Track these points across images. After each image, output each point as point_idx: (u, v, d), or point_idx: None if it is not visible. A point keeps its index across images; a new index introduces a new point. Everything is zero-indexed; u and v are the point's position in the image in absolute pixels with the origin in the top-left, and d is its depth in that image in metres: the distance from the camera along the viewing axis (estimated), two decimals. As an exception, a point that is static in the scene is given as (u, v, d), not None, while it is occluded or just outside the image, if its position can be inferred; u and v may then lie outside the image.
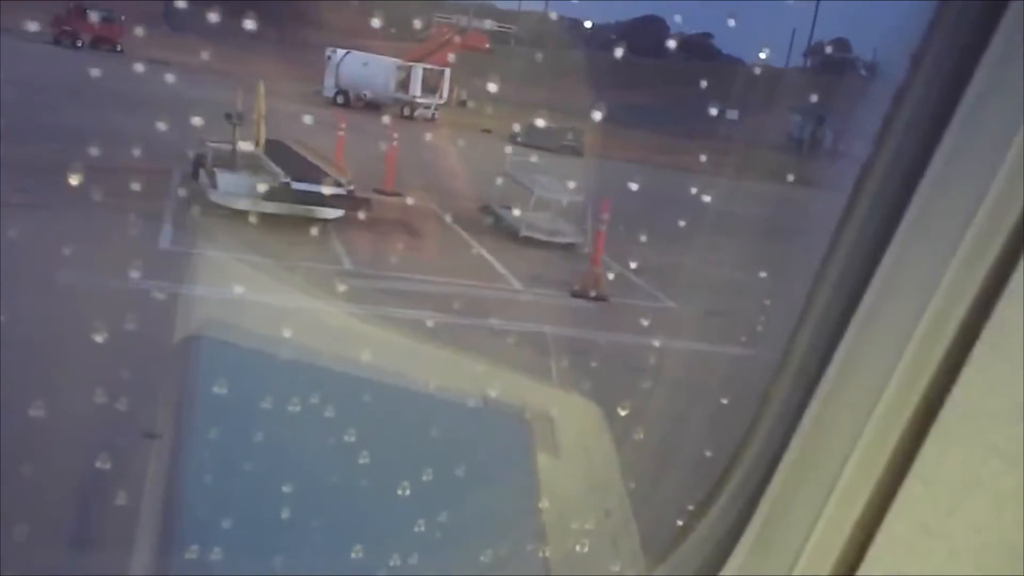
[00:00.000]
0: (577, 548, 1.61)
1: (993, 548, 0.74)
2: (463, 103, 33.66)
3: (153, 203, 12.71)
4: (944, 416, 0.76)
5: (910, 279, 0.80)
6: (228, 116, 12.79)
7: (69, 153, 12.60)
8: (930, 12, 0.84)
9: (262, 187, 11.91)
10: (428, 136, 25.09)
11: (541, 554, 1.57)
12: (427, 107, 28.88)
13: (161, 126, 13.29)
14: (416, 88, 29.23)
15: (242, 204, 11.70)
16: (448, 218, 14.36)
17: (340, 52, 29.30)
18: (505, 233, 13.56)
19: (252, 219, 11.79)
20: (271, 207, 11.77)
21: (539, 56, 40.44)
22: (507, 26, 54.13)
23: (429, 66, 29.62)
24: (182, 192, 13.29)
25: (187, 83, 27.62)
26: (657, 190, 17.37)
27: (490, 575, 1.52)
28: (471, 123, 28.61)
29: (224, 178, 12.05)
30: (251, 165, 12.64)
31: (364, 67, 28.27)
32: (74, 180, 12.06)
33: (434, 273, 11.15)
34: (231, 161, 12.58)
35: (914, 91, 0.84)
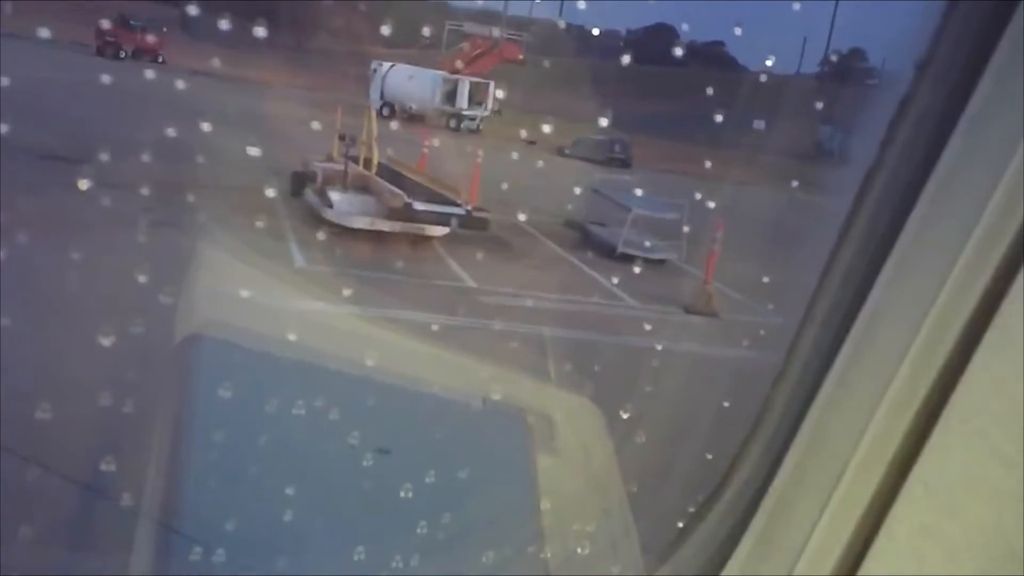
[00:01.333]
0: (577, 549, 1.62)
1: (994, 550, 0.74)
2: (497, 112, 34.22)
3: (268, 221, 13.21)
4: (946, 418, 0.77)
5: (914, 282, 0.81)
6: (342, 137, 13.32)
7: (171, 170, 13.09)
8: (936, 15, 0.85)
9: (381, 207, 12.43)
10: (482, 149, 25.68)
11: (540, 555, 1.57)
12: (472, 119, 29.48)
13: (238, 142, 13.83)
14: (463, 100, 29.81)
15: (359, 223, 12.22)
16: (537, 233, 14.89)
17: (385, 65, 29.84)
18: (599, 249, 14.09)
19: (351, 236, 12.36)
20: (386, 226, 12.30)
21: (559, 65, 40.98)
22: (518, 34, 54.57)
23: (475, 79, 30.23)
24: (291, 210, 13.81)
25: (241, 95, 28.10)
26: (718, 204, 17.87)
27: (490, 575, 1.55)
28: (513, 134, 29.17)
29: (339, 198, 12.57)
30: (363, 186, 13.16)
31: (410, 80, 28.82)
32: (191, 198, 12.59)
33: (549, 290, 11.67)
34: (342, 181, 13.11)
35: (919, 95, 0.85)
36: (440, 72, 30.50)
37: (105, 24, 32.05)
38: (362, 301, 9.55)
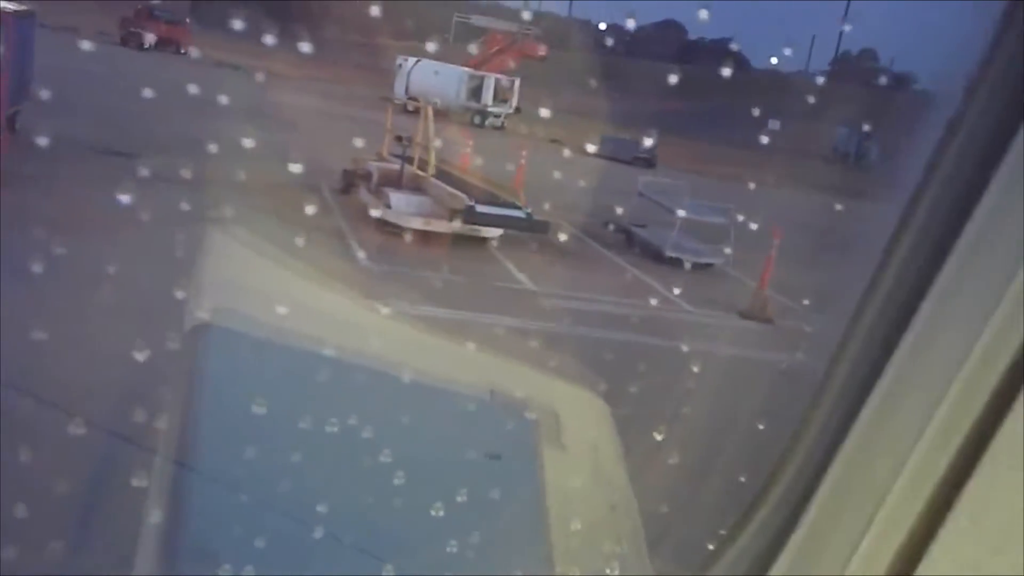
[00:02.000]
0: (581, 543, 1.63)
1: None
2: (517, 109, 34.42)
3: (324, 220, 13.45)
4: (994, 449, 0.74)
5: (967, 299, 0.78)
6: (399, 138, 13.56)
7: (216, 165, 13.26)
8: (985, 17, 0.80)
9: (438, 208, 12.68)
10: (508, 147, 25.87)
11: (546, 550, 1.57)
12: (497, 116, 29.71)
13: (275, 137, 14.02)
14: (488, 97, 30.04)
15: (415, 224, 12.47)
16: (581, 234, 15.14)
17: (411, 60, 30.02)
18: (645, 251, 14.35)
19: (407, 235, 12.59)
20: (443, 226, 12.55)
21: (573, 61, 41.09)
22: (527, 29, 54.61)
23: (500, 76, 30.44)
24: (344, 208, 14.04)
25: (268, 88, 28.20)
26: (747, 207, 18.12)
27: (495, 575, 1.55)
28: (535, 131, 29.33)
29: (397, 197, 12.81)
30: (417, 186, 13.40)
31: (435, 75, 28.99)
32: (245, 195, 12.81)
33: (605, 292, 11.94)
34: (397, 181, 13.35)
35: (970, 111, 0.81)
36: (466, 68, 30.69)
37: (130, 14, 32.19)
38: (430, 301, 9.84)
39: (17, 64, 12.50)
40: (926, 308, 0.80)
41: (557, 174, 21.98)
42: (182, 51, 31.98)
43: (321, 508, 1.47)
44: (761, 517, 0.98)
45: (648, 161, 26.04)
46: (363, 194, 13.67)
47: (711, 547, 1.09)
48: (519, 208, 12.59)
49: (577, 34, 50.76)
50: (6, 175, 11.02)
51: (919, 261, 0.83)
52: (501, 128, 29.55)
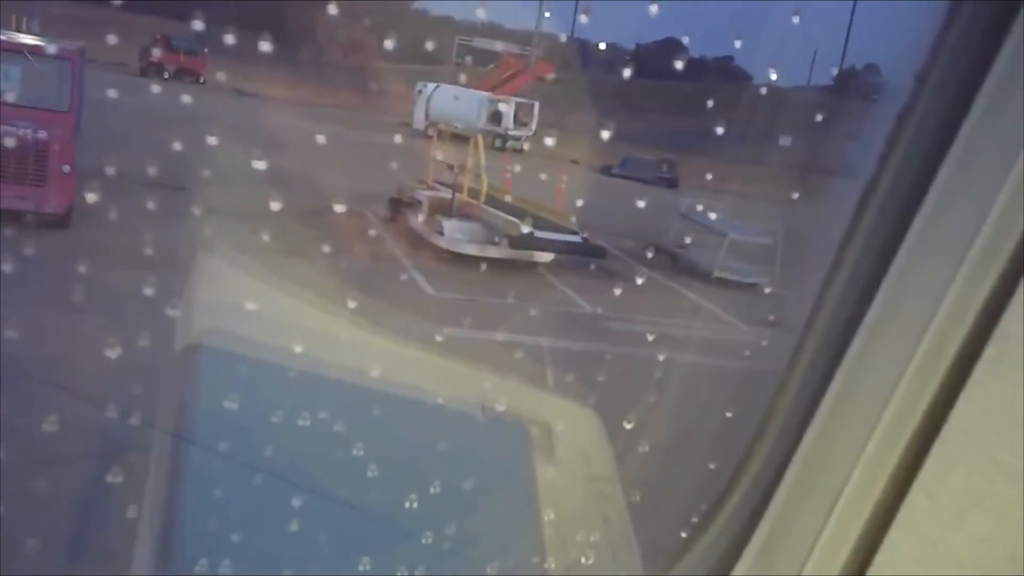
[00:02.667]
0: (578, 556, 1.63)
1: (998, 561, 0.75)
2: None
3: (378, 248, 13.62)
4: (948, 429, 0.77)
5: (915, 293, 0.81)
6: (450, 167, 13.78)
7: (259, 194, 13.37)
8: (935, 19, 0.84)
9: (489, 233, 12.85)
10: (529, 169, 26.10)
11: (540, 562, 1.58)
12: (517, 139, 30.00)
13: (307, 166, 14.17)
14: (509, 121, 30.35)
15: (470, 249, 12.64)
16: (624, 256, 15.31)
17: (431, 86, 30.35)
18: (691, 272, 14.53)
19: (461, 262, 12.75)
20: (496, 252, 12.72)
21: (579, 81, 41.45)
22: (527, 49, 54.99)
23: (521, 100, 30.79)
24: (395, 236, 14.22)
25: (290, 116, 28.45)
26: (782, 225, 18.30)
27: None
28: (553, 153, 29.53)
29: (449, 225, 12.99)
30: (468, 213, 13.59)
31: (455, 100, 29.30)
32: (296, 224, 12.97)
33: (663, 314, 12.08)
34: (449, 208, 13.54)
35: (919, 104, 0.85)
36: (485, 93, 31.04)
37: (149, 45, 32.52)
38: (506, 328, 9.97)
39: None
40: (875, 306, 0.83)
41: (583, 195, 22.19)
42: (201, 80, 32.27)
43: (316, 528, 1.48)
44: (724, 517, 1.01)
45: (670, 181, 26.28)
46: (413, 222, 13.85)
47: (675, 548, 1.11)
48: (575, 233, 12.77)
49: (578, 54, 51.12)
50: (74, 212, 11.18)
51: (867, 264, 0.86)
52: (521, 151, 29.85)
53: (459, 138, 29.67)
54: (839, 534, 0.84)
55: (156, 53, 32.49)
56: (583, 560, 1.61)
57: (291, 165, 13.72)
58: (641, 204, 19.72)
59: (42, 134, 10.67)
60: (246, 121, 23.85)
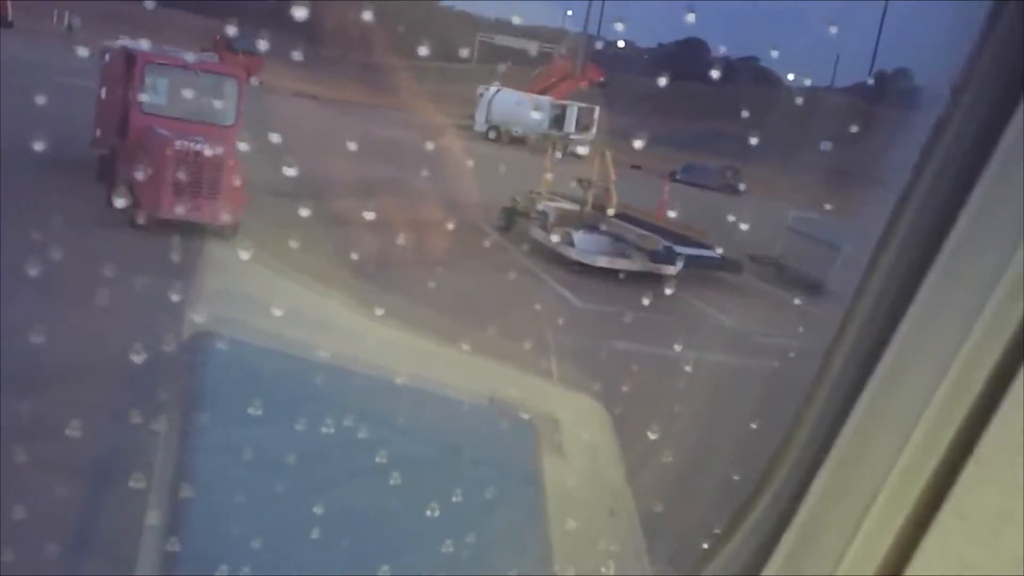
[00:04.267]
0: (583, 550, 1.62)
1: None
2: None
3: (505, 258, 14.01)
4: (981, 448, 0.76)
5: (951, 304, 0.79)
6: (580, 181, 14.22)
7: (368, 204, 13.74)
8: (978, 19, 0.82)
9: (618, 246, 13.27)
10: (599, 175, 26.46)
11: (545, 555, 1.58)
12: (578, 143, 30.40)
13: (398, 173, 14.51)
14: (571, 125, 30.81)
15: (601, 262, 13.07)
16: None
17: (492, 89, 30.79)
18: (802, 285, 14.90)
19: (593, 274, 13.15)
20: (624, 264, 13.15)
21: (619, 84, 41.62)
22: (549, 45, 55.06)
23: (582, 104, 31.22)
24: (518, 247, 14.60)
25: (356, 119, 28.73)
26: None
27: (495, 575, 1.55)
28: (615, 158, 29.80)
29: (581, 237, 13.42)
30: (594, 224, 14.02)
31: (516, 105, 29.72)
32: (415, 234, 13.36)
33: (803, 327, 12.45)
34: (577, 220, 13.98)
35: (956, 115, 0.83)
36: (546, 97, 31.48)
37: (211, 47, 32.76)
38: (670, 341, 10.36)
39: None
40: (913, 312, 0.82)
41: (656, 203, 22.43)
42: (259, 83, 32.47)
43: (319, 511, 1.47)
44: (754, 517, 1.00)
45: (734, 188, 26.65)
46: (536, 232, 14.27)
47: (705, 547, 1.11)
48: (710, 248, 13.19)
49: (599, 55, 51.17)
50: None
51: (904, 267, 0.84)
52: (581, 155, 30.25)
53: (518, 141, 30.20)
54: (869, 544, 0.83)
55: (217, 55, 32.67)
56: (595, 563, 1.61)
57: (380, 172, 14.08)
58: (731, 217, 20.05)
59: (218, 149, 11.10)
60: (318, 125, 24.15)
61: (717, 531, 1.09)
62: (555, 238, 13.74)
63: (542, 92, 33.75)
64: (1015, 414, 0.75)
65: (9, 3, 36.37)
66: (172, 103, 11.65)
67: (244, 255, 1.96)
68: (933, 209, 0.83)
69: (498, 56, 49.75)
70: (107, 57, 13.14)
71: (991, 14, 0.81)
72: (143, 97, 11.44)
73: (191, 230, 11.25)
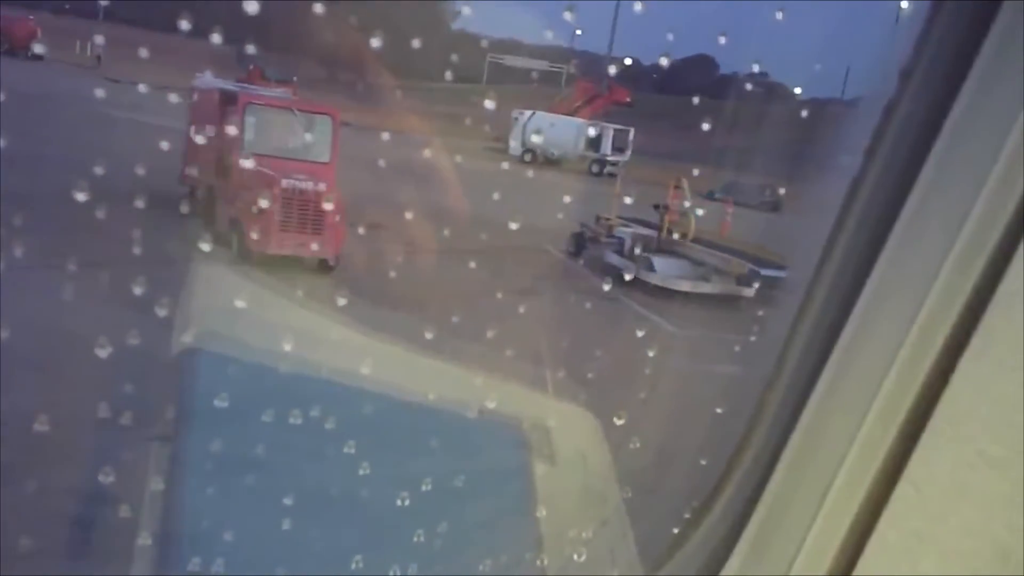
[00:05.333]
0: (574, 557, 1.63)
1: (985, 553, 0.75)
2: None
3: (585, 283, 14.22)
4: (935, 422, 0.78)
5: (900, 288, 0.82)
6: (656, 207, 14.50)
7: (438, 232, 13.93)
8: (919, 17, 0.86)
9: (698, 270, 13.51)
10: (643, 196, 26.64)
11: (538, 563, 1.58)
12: (614, 164, 30.77)
13: (450, 199, 14.65)
14: (607, 147, 31.23)
15: (683, 286, 13.30)
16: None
17: (527, 113, 31.17)
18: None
19: (673, 298, 13.36)
20: (708, 288, 13.39)
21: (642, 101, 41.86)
22: (558, 65, 55.35)
23: (617, 126, 31.62)
24: (596, 272, 14.81)
25: (392, 144, 28.95)
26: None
27: None
28: (645, 176, 29.99)
29: (661, 262, 13.67)
30: (670, 249, 14.28)
31: (552, 127, 30.10)
32: (503, 262, 13.58)
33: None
34: (653, 245, 14.24)
35: (903, 100, 0.86)
36: (581, 120, 31.91)
37: (244, 75, 33.23)
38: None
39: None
40: (862, 303, 0.84)
41: (703, 223, 22.59)
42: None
43: (314, 530, 1.48)
44: (713, 516, 1.01)
45: (773, 205, 26.87)
46: (612, 258, 14.51)
47: (665, 547, 1.11)
48: (783, 268, 13.40)
49: (607, 69, 51.21)
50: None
51: (853, 260, 0.87)
52: (616, 176, 30.62)
53: (553, 163, 30.52)
54: (828, 530, 0.85)
55: (250, 83, 33.17)
56: (576, 558, 1.62)
57: (437, 198, 14.27)
58: (764, 230, 20.29)
59: (321, 186, 11.36)
60: (364, 152, 24.32)
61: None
62: (629, 262, 13.97)
63: (569, 114, 34.13)
64: (966, 388, 0.77)
65: (40, 35, 36.81)
66: (272, 141, 11.92)
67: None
68: (884, 192, 0.85)
69: (507, 76, 49.99)
70: (195, 96, 13.42)
71: (933, 8, 0.85)
72: (246, 136, 11.72)
73: (295, 264, 11.51)
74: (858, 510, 0.83)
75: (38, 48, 36.34)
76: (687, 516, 1.10)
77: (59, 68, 34.39)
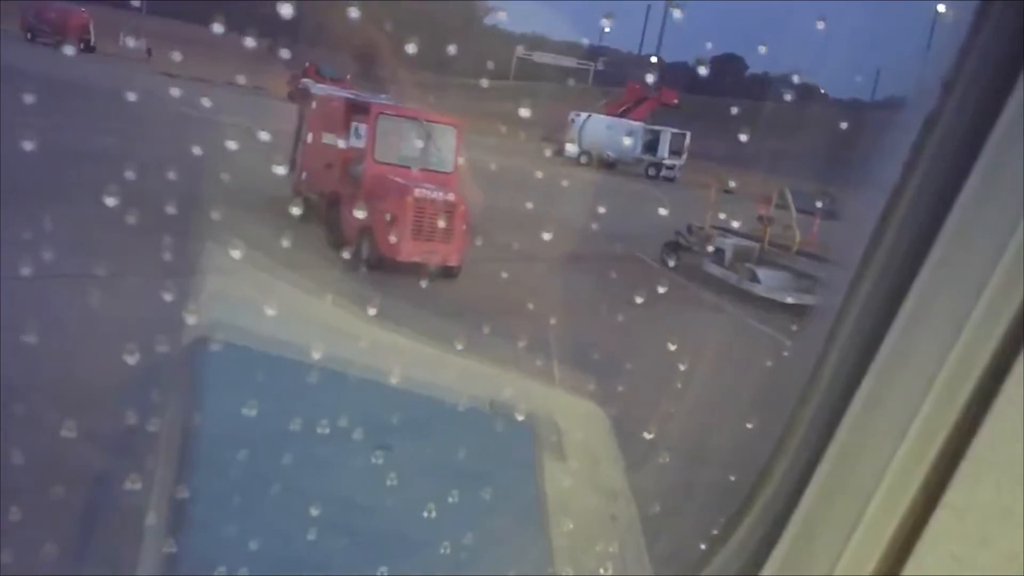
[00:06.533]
0: (583, 555, 1.62)
1: None
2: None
3: (690, 294, 14.32)
4: (976, 444, 0.76)
5: (944, 302, 0.79)
6: (760, 218, 14.63)
7: (533, 239, 14.02)
8: (967, 18, 0.82)
9: (803, 282, 13.65)
10: (696, 201, 26.66)
11: (548, 560, 1.57)
12: (671, 167, 30.95)
13: (535, 204, 14.73)
14: (664, 150, 31.41)
15: (789, 298, 13.44)
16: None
17: (583, 115, 31.37)
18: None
19: (777, 311, 13.48)
20: (810, 299, 13.52)
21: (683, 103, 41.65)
22: (585, 63, 55.30)
23: (675, 130, 31.78)
24: (695, 281, 14.89)
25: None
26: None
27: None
28: (701, 181, 29.96)
29: (766, 274, 13.81)
30: (776, 261, 14.43)
31: (608, 129, 30.25)
32: (607, 270, 13.70)
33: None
34: (755, 257, 14.39)
35: (946, 112, 0.83)
36: (638, 123, 32.07)
37: (300, 73, 33.55)
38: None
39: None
40: (906, 310, 0.82)
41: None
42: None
43: (317, 513, 1.48)
44: (752, 517, 1.00)
45: (832, 213, 26.85)
46: (712, 268, 14.67)
47: (703, 547, 1.11)
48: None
49: (635, 67, 51.19)
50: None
51: (897, 264, 0.84)
52: (673, 180, 30.77)
53: (608, 166, 30.67)
54: (866, 543, 0.83)
55: (307, 81, 33.52)
56: (595, 565, 1.60)
57: (509, 202, 14.36)
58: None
59: (451, 196, 11.58)
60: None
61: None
62: (735, 274, 14.12)
63: (620, 116, 34.28)
64: (1010, 411, 0.75)
65: (92, 28, 37.03)
66: (399, 151, 12.15)
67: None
68: (924, 206, 0.83)
69: (535, 73, 49.90)
70: (314, 103, 13.63)
71: (979, 12, 0.82)
72: (377, 145, 11.93)
73: (418, 271, 11.70)
74: (896, 528, 0.82)
75: (89, 40, 36.54)
76: (723, 521, 1.10)
77: (113, 62, 34.56)
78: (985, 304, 0.76)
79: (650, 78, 39.16)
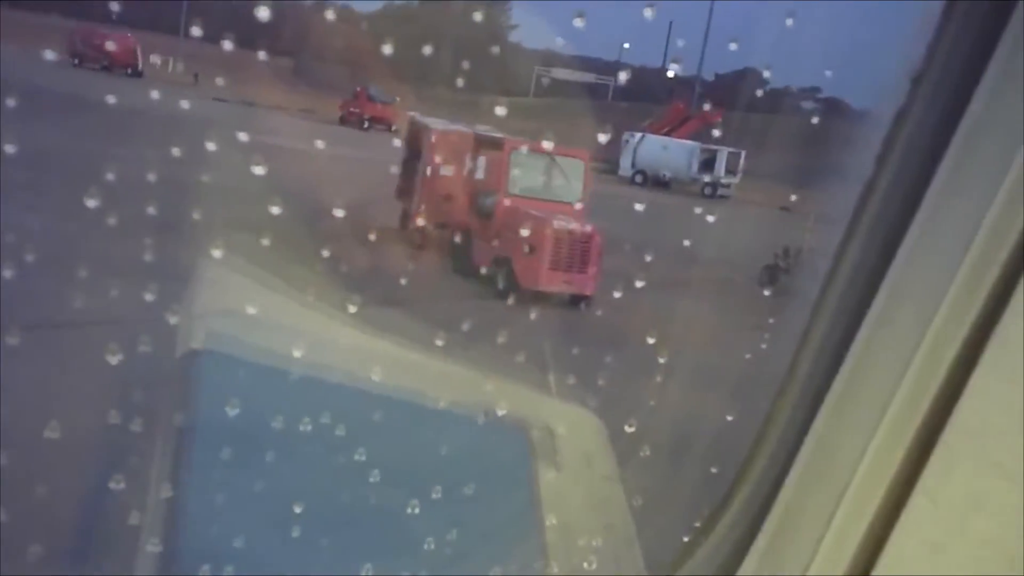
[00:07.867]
0: (581, 563, 1.62)
1: (999, 564, 0.75)
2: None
3: (787, 315, 14.38)
4: (948, 433, 0.77)
5: (913, 296, 0.81)
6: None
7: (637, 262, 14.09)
8: (930, 19, 0.84)
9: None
10: (759, 219, 26.64)
11: (543, 568, 1.57)
12: (727, 186, 31.12)
13: (615, 226, 14.82)
14: (721, 169, 31.61)
15: None
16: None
17: (637, 135, 31.61)
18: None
19: None
20: None
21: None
22: (605, 78, 55.38)
23: (731, 149, 31.98)
24: (789, 305, 14.97)
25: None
26: None
27: None
28: (757, 199, 29.98)
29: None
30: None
31: (664, 150, 30.47)
32: (705, 295, 13.71)
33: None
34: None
35: (915, 106, 0.84)
36: (694, 143, 32.29)
37: (353, 97, 33.98)
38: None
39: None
40: (878, 302, 0.83)
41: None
42: (393, 128, 33.48)
43: (320, 534, 1.48)
44: (729, 518, 1.00)
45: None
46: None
47: (680, 548, 1.11)
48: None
49: (656, 82, 51.15)
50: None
51: (870, 257, 0.86)
52: (728, 198, 30.90)
53: (662, 185, 30.80)
54: (842, 536, 0.84)
55: (357, 104, 33.97)
56: (585, 566, 1.61)
57: (606, 224, 14.40)
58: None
59: (588, 228, 11.80)
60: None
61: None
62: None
63: (665, 134, 34.47)
64: (981, 397, 0.76)
65: (139, 53, 37.40)
66: (529, 184, 12.38)
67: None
68: (896, 199, 0.84)
69: (555, 90, 49.90)
70: (433, 137, 13.86)
71: (945, 11, 0.84)
72: (509, 178, 12.17)
73: (555, 300, 11.87)
74: (872, 519, 0.83)
75: (136, 65, 36.87)
76: (698, 520, 1.11)
77: (162, 87, 34.85)
78: (954, 295, 0.78)
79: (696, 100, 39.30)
